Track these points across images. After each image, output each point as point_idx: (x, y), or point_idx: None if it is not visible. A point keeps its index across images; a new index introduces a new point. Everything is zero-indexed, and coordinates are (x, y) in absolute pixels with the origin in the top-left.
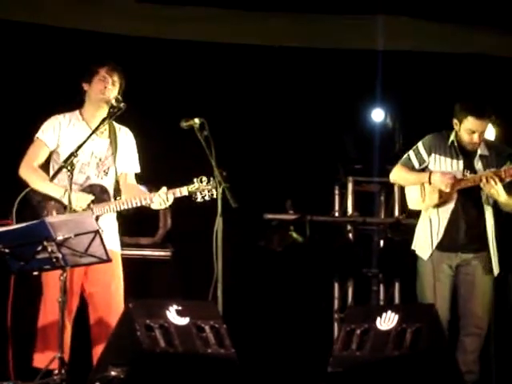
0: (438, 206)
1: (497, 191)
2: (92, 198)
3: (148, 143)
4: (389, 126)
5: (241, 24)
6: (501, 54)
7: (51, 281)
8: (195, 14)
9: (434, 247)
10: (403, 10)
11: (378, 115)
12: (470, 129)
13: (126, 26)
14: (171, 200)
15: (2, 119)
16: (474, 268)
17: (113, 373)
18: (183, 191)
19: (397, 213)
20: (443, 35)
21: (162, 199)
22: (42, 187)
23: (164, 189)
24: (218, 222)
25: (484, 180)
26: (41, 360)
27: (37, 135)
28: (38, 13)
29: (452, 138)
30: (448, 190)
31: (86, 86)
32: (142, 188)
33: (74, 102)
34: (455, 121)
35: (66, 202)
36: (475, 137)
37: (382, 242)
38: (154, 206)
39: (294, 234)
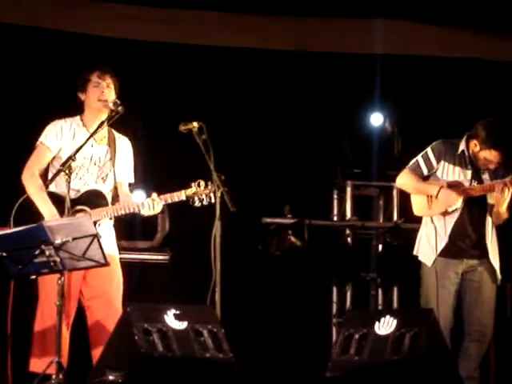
0: (444, 213)
1: (504, 200)
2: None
3: (146, 147)
4: (387, 130)
5: (240, 28)
6: (499, 58)
7: (48, 285)
8: (194, 17)
9: (437, 253)
10: (402, 13)
11: (376, 119)
12: (492, 160)
13: (123, 29)
14: (160, 207)
15: (2, 124)
16: (480, 274)
17: (110, 377)
18: (181, 196)
19: (395, 217)
20: (442, 39)
21: (149, 205)
22: (34, 198)
23: (154, 195)
24: (217, 226)
25: (500, 187)
26: (37, 365)
27: (40, 140)
28: (36, 16)
29: (462, 147)
30: (450, 210)
31: (82, 96)
32: (140, 192)
33: (72, 106)
34: (475, 141)
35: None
36: (492, 165)
37: (380, 247)
38: (144, 212)
39: (293, 238)
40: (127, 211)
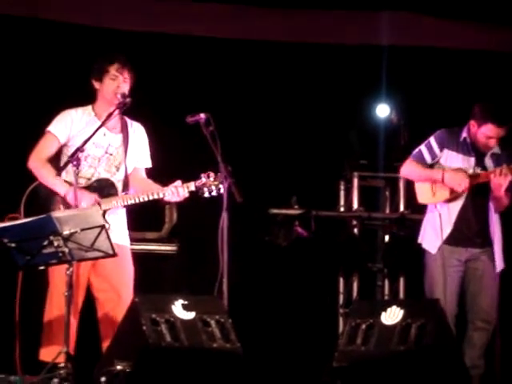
0: (447, 200)
1: (500, 185)
2: (95, 198)
3: (153, 138)
4: (394, 122)
5: (246, 20)
6: (506, 50)
7: (57, 275)
8: (200, 10)
9: (442, 241)
10: (407, 5)
11: (383, 111)
12: (489, 135)
13: (132, 21)
14: (183, 193)
15: (11, 113)
16: (482, 263)
17: (118, 367)
18: (190, 186)
19: (402, 208)
20: (447, 31)
21: (172, 192)
22: (48, 181)
23: (178, 182)
24: (224, 217)
25: (497, 171)
26: (47, 354)
27: (48, 128)
28: (46, 8)
29: (464, 134)
30: (461, 190)
31: (97, 85)
32: None
33: (83, 96)
34: (473, 122)
35: (69, 199)
36: (492, 141)
37: (386, 237)
38: (169, 199)
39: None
40: (137, 201)
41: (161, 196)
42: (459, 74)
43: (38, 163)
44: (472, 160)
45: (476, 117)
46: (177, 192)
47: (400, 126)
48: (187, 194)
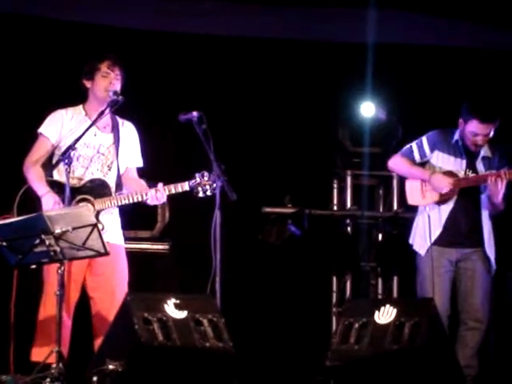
0: (437, 203)
1: (498, 191)
2: (55, 200)
3: (146, 137)
4: (385, 120)
5: (236, 18)
6: (494, 47)
7: (51, 275)
8: (193, 7)
9: (431, 242)
10: (394, 2)
11: (367, 109)
12: (474, 131)
13: (123, 20)
14: (165, 197)
15: (4, 114)
16: (473, 263)
17: (110, 366)
18: (184, 186)
19: (395, 206)
20: (435, 28)
21: (153, 196)
22: (33, 184)
23: (160, 185)
24: (216, 216)
25: (492, 179)
26: (39, 354)
27: (39, 130)
28: (40, 6)
29: (456, 136)
30: (444, 192)
31: (88, 84)
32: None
33: (75, 97)
34: (460, 120)
35: (43, 201)
36: (478, 139)
37: (380, 236)
38: (149, 202)
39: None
40: (131, 201)
41: (144, 199)
42: (453, 71)
43: (28, 166)
44: (464, 163)
45: (462, 114)
46: (161, 195)
47: (392, 124)
48: (165, 199)
